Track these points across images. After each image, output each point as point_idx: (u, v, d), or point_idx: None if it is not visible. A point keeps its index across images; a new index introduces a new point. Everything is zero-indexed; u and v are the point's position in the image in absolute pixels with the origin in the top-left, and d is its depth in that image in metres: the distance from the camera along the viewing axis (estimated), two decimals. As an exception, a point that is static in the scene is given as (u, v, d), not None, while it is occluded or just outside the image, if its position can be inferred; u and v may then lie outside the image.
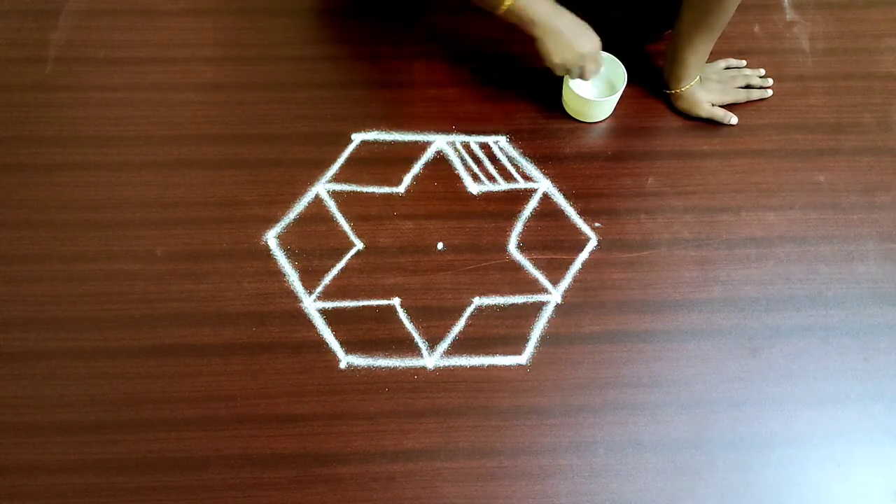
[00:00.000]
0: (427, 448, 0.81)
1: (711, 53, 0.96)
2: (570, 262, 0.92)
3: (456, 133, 1.01)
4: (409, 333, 0.87)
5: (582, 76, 0.95)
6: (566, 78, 0.97)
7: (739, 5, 0.87)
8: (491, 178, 0.98)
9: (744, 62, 1.06)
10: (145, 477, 0.79)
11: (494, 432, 0.82)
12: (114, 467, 0.80)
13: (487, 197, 0.97)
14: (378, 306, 0.89)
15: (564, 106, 1.03)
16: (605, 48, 1.00)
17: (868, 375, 0.86)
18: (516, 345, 0.87)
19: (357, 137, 1.01)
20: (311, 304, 0.89)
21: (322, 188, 0.97)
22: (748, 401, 0.84)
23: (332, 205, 0.96)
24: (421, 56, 1.08)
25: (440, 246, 0.93)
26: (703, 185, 0.98)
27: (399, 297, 0.90)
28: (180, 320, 0.88)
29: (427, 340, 0.87)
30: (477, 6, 0.91)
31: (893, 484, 0.80)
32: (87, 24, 1.11)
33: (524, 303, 0.90)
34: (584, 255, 0.93)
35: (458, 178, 0.98)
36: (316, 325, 0.88)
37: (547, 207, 0.96)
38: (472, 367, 0.86)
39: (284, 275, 0.91)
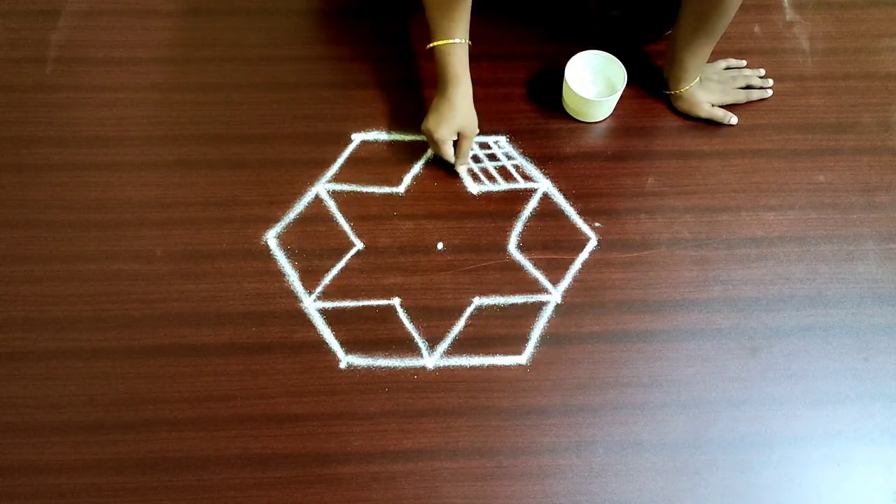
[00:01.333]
0: (427, 448, 0.81)
1: (711, 53, 0.96)
2: (570, 262, 0.92)
3: (456, 133, 1.01)
4: (409, 333, 0.88)
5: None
6: (566, 78, 0.97)
7: (740, 5, 0.87)
8: (491, 178, 0.98)
9: (744, 62, 1.06)
10: (145, 477, 0.79)
11: (494, 432, 0.82)
12: (114, 467, 0.80)
13: (487, 197, 0.97)
14: (378, 306, 0.89)
15: (564, 106, 1.03)
16: (605, 48, 1.00)
17: (868, 375, 0.86)
18: (516, 345, 0.87)
19: (357, 137, 1.01)
20: (311, 304, 0.89)
21: (322, 188, 0.97)
22: (748, 401, 0.84)
23: (332, 205, 0.96)
24: (421, 56, 1.08)
25: (440, 246, 0.93)
26: (703, 185, 0.98)
27: (399, 297, 0.90)
28: (180, 320, 0.88)
29: (427, 340, 0.87)
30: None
31: (893, 484, 0.80)
32: (87, 24, 1.11)
33: (524, 303, 0.90)
34: (584, 255, 0.93)
35: (458, 178, 0.98)
36: (316, 325, 0.88)
37: (547, 207, 0.96)
38: (472, 367, 0.86)
39: (284, 275, 0.91)
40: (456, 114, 0.93)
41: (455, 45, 0.91)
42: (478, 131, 0.97)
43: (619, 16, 1.04)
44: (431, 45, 0.91)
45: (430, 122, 0.94)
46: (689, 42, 0.93)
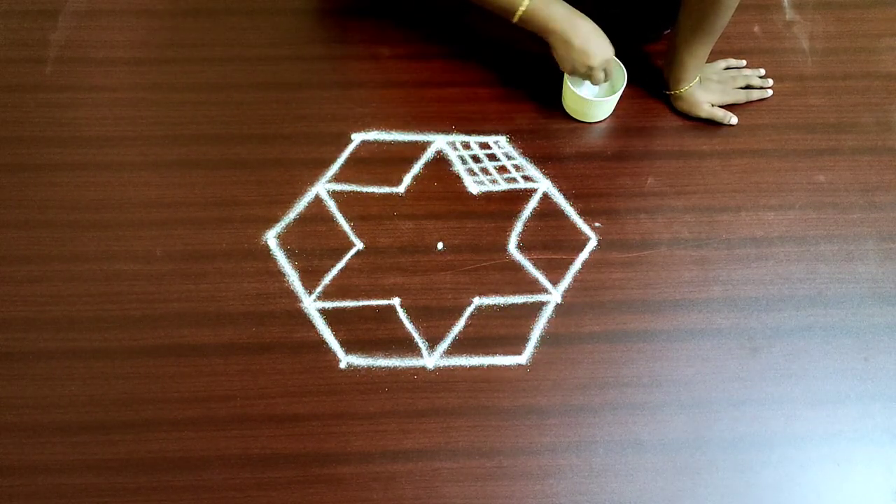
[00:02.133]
0: (427, 448, 0.81)
1: (711, 53, 0.96)
2: (570, 262, 0.92)
3: (456, 133, 1.01)
4: (408, 333, 0.87)
5: (590, 80, 0.95)
6: (566, 78, 0.97)
7: (739, 5, 0.87)
8: (491, 179, 0.98)
9: (744, 62, 1.06)
10: (145, 477, 0.79)
11: (494, 432, 0.82)
12: (114, 467, 0.80)
13: (487, 197, 0.97)
14: (378, 306, 0.89)
15: (564, 106, 1.03)
16: (605, 48, 1.00)
17: (868, 375, 0.86)
18: (516, 345, 0.87)
19: (357, 137, 1.01)
20: (311, 304, 0.89)
21: (322, 188, 0.97)
22: (748, 401, 0.84)
23: (332, 205, 0.96)
24: (421, 56, 1.08)
25: (440, 246, 0.93)
26: (703, 185, 0.98)
27: (399, 297, 0.90)
28: (180, 320, 0.88)
29: (427, 340, 0.87)
30: (489, 10, 0.91)
31: (893, 484, 0.80)
32: (87, 24, 1.11)
33: (524, 303, 0.90)
34: (584, 255, 0.93)
35: (458, 178, 0.98)
36: (316, 325, 0.88)
37: (547, 207, 0.96)
38: (472, 367, 0.86)
39: (284, 275, 0.91)
40: (595, 31, 0.91)
41: None
42: (612, 51, 0.93)
43: (619, 14, 1.04)
44: (521, 10, 0.89)
45: (565, 63, 0.91)
46: (688, 42, 0.93)
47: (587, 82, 1.02)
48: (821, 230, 0.95)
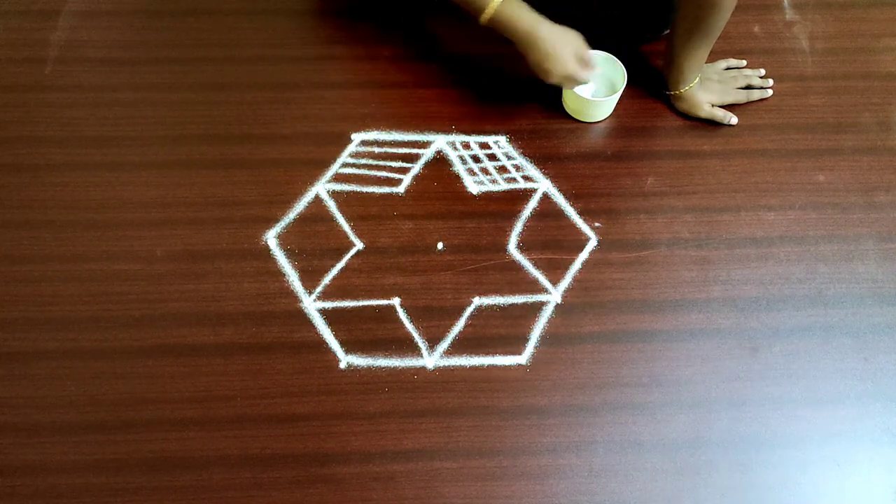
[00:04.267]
0: (427, 448, 0.81)
1: (711, 53, 0.96)
2: (570, 262, 0.92)
3: (456, 133, 1.01)
4: (408, 333, 0.88)
5: (570, 83, 0.93)
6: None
7: (739, 5, 0.87)
8: (491, 179, 0.98)
9: (744, 62, 1.06)
10: (145, 477, 0.79)
11: (494, 432, 0.82)
12: (114, 467, 0.80)
13: (487, 197, 0.97)
14: (378, 306, 0.89)
15: (564, 106, 1.03)
16: (605, 48, 1.00)
17: (868, 375, 0.86)
18: (516, 345, 0.87)
19: (357, 137, 1.01)
20: (311, 304, 0.89)
21: (322, 188, 0.97)
22: (748, 401, 0.84)
23: (332, 205, 0.96)
24: (421, 56, 1.08)
25: (440, 246, 0.93)
26: (703, 185, 0.98)
27: (399, 297, 0.90)
28: (180, 320, 0.88)
29: (427, 340, 0.87)
30: (461, 8, 0.91)
31: (893, 484, 0.80)
32: (87, 24, 1.11)
33: (524, 303, 0.90)
34: (584, 255, 0.93)
35: (458, 178, 0.98)
36: (316, 325, 0.88)
37: (547, 207, 0.96)
38: (472, 367, 0.86)
39: (284, 275, 0.91)
40: (564, 39, 0.89)
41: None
42: (581, 36, 0.92)
43: (619, 14, 1.04)
44: (489, 12, 0.88)
45: (553, 64, 0.89)
46: (686, 45, 0.93)
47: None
48: (821, 230, 0.95)
